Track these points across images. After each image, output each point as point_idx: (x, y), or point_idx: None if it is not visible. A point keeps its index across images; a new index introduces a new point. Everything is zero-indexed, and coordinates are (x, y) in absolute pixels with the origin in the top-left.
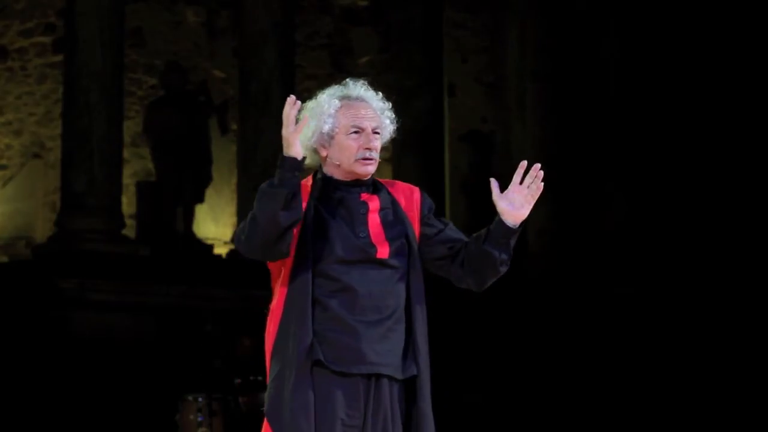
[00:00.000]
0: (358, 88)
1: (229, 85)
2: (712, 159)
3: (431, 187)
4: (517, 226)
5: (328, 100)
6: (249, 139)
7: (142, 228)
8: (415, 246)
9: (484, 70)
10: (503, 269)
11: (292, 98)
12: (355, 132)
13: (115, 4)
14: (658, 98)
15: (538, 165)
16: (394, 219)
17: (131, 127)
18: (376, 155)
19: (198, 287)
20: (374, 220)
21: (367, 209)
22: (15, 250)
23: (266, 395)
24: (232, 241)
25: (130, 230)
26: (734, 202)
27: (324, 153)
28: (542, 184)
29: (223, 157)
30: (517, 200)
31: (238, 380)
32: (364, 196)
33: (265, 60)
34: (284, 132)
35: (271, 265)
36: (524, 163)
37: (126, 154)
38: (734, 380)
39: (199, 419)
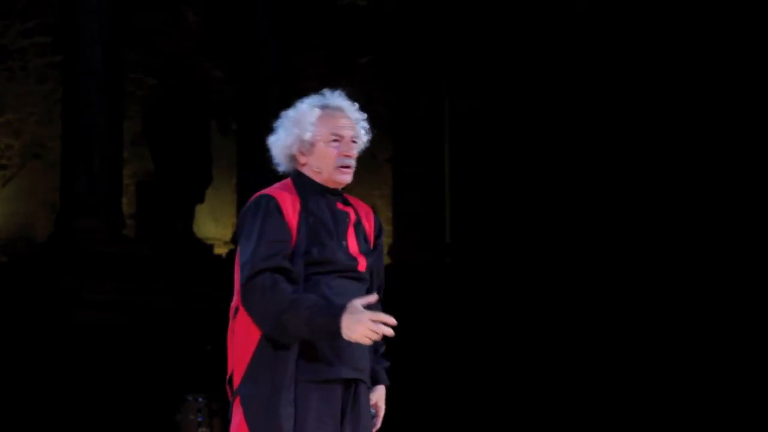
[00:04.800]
0: (337, 99)
1: (229, 85)
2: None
3: (433, 186)
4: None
5: (309, 109)
6: (249, 139)
7: (142, 228)
8: (372, 265)
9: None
10: None
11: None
12: (335, 140)
13: (115, 4)
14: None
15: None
16: (363, 234)
17: (131, 127)
18: (353, 163)
19: (198, 287)
20: (352, 233)
21: (349, 220)
22: (15, 250)
23: (248, 404)
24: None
25: (130, 230)
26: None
27: (303, 160)
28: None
29: (223, 157)
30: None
31: None
32: (339, 205)
33: (265, 60)
34: (365, 330)
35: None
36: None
37: (126, 154)
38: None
39: (199, 419)
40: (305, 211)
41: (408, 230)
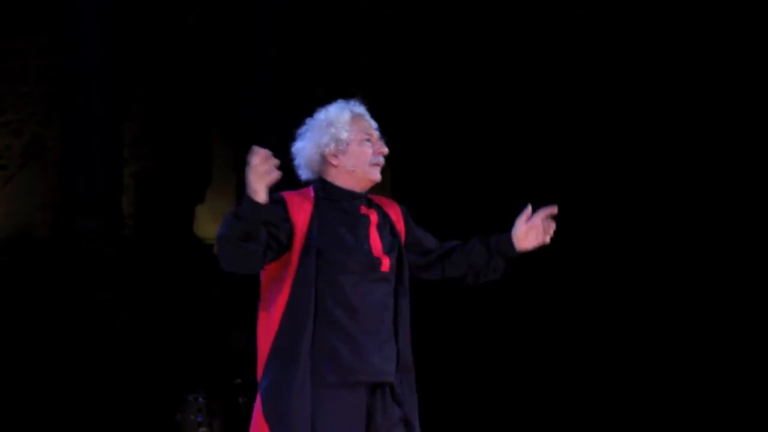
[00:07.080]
0: (357, 105)
1: (229, 85)
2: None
3: (434, 184)
4: (516, 253)
5: (340, 111)
6: (249, 139)
7: (142, 228)
8: (405, 260)
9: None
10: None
11: (264, 152)
12: (368, 140)
13: (115, 4)
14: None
15: (555, 211)
16: (389, 233)
17: (131, 127)
18: (384, 162)
19: (197, 287)
20: (374, 234)
21: (370, 222)
22: (15, 250)
23: (264, 397)
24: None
25: (130, 230)
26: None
27: (336, 162)
28: (549, 237)
29: (223, 157)
30: (531, 234)
31: (238, 380)
32: (363, 208)
33: (265, 60)
34: (254, 182)
35: (268, 270)
36: (555, 209)
37: (126, 154)
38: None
39: (199, 419)
40: (317, 214)
41: None
